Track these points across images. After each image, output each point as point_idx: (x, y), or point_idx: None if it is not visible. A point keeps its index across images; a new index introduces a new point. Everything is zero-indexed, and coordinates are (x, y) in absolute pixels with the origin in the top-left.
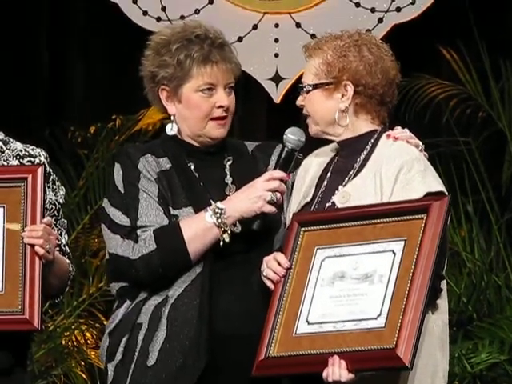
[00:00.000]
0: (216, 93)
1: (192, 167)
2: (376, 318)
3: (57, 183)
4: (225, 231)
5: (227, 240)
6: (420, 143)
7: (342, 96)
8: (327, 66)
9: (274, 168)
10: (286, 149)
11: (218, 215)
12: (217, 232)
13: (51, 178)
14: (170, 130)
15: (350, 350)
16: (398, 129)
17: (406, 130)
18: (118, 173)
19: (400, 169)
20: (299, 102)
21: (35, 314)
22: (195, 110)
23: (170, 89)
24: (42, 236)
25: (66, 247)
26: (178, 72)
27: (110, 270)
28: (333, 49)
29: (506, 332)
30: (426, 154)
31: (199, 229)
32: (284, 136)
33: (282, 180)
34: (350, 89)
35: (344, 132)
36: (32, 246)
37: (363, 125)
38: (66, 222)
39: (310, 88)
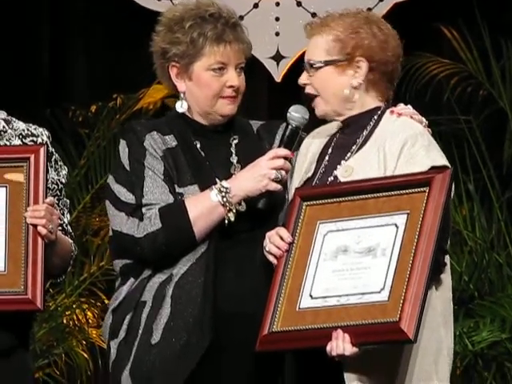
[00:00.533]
0: (227, 72)
1: (198, 145)
2: (379, 292)
3: (59, 163)
4: (230, 210)
5: (232, 219)
6: (424, 119)
7: (355, 73)
8: (340, 43)
9: (279, 146)
10: (289, 127)
11: (224, 194)
12: (222, 211)
13: (54, 157)
14: (180, 107)
15: (354, 323)
16: (401, 105)
17: (409, 106)
18: (123, 150)
19: (404, 143)
20: (303, 80)
21: (38, 293)
22: (205, 88)
23: (180, 66)
24: (44, 216)
25: (69, 227)
26: (190, 50)
27: (113, 247)
28: (343, 26)
29: (508, 310)
30: (429, 129)
31: (204, 207)
32: (288, 114)
33: (286, 158)
34: (364, 65)
35: (352, 109)
36: (35, 226)
37: (371, 101)
38: (68, 201)
39: (322, 65)
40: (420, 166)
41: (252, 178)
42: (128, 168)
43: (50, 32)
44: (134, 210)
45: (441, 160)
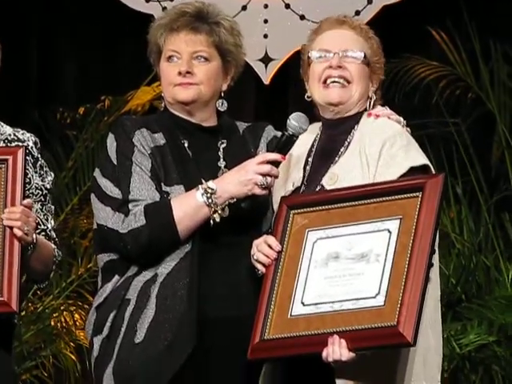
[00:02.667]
0: (181, 61)
1: (186, 145)
2: (374, 297)
3: (45, 169)
4: (215, 211)
5: (217, 220)
6: (401, 119)
7: (372, 85)
8: (376, 54)
9: (272, 150)
10: (286, 133)
11: (209, 195)
12: (207, 211)
13: (39, 163)
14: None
15: (350, 328)
16: (378, 107)
17: (386, 107)
18: (111, 144)
19: (383, 144)
20: (339, 62)
21: (13, 296)
22: (163, 78)
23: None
24: (19, 218)
25: (53, 232)
26: (160, 43)
27: (97, 241)
28: (376, 40)
29: (495, 313)
30: (408, 129)
31: (190, 207)
32: (287, 120)
33: (275, 162)
34: (378, 83)
35: (345, 113)
36: (10, 227)
37: (357, 109)
38: (53, 207)
39: (366, 61)
40: (399, 167)
41: (238, 182)
42: (115, 162)
43: (39, 34)
44: (121, 206)
45: (420, 159)
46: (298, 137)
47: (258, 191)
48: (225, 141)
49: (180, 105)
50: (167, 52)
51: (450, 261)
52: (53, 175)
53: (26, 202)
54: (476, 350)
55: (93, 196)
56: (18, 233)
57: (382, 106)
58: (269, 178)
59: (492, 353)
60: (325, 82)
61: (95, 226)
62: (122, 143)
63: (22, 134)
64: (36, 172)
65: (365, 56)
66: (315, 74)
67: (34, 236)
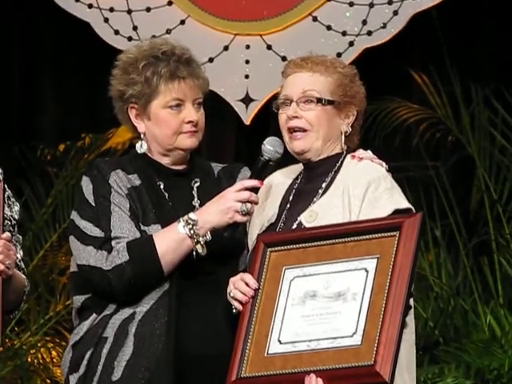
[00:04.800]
0: (184, 108)
1: (161, 186)
2: (351, 336)
3: (12, 199)
4: (198, 242)
5: (200, 251)
6: (384, 163)
7: (345, 119)
8: (343, 88)
9: (249, 177)
10: (261, 158)
11: (191, 226)
12: (189, 243)
13: (6, 193)
14: (140, 147)
15: (327, 367)
16: (361, 150)
17: (369, 151)
18: (87, 186)
19: (368, 186)
20: (294, 112)
21: None
22: (164, 126)
23: (138, 106)
24: (1, 252)
25: (22, 262)
26: (145, 89)
27: (77, 283)
28: (344, 73)
29: (472, 357)
30: (389, 172)
31: (172, 240)
32: (262, 146)
33: (253, 189)
34: (353, 115)
35: (324, 153)
36: None
37: (338, 148)
38: (20, 237)
39: (326, 102)
40: (384, 209)
41: (218, 211)
42: (93, 204)
43: (19, 69)
44: (103, 243)
45: (404, 203)
46: (273, 161)
47: (238, 218)
48: (198, 180)
49: (178, 152)
50: (170, 100)
51: (428, 304)
52: (19, 205)
53: (5, 235)
54: None
55: (72, 238)
56: (0, 267)
57: (363, 145)
58: (249, 205)
59: None
60: (290, 131)
61: (74, 269)
62: (98, 185)
63: None
64: (5, 202)
65: (320, 100)
66: (281, 123)
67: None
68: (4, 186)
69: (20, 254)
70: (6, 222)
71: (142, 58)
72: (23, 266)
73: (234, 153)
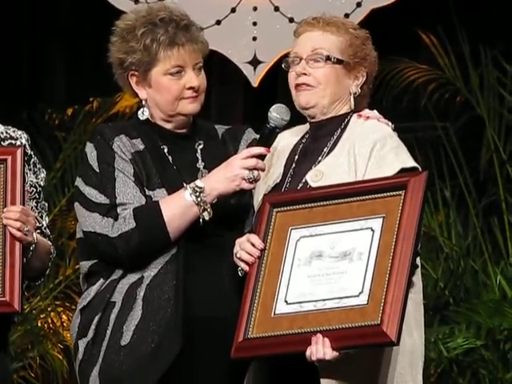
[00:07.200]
0: (185, 74)
1: (165, 150)
2: (358, 296)
3: (38, 166)
4: (204, 209)
5: (207, 218)
6: (390, 123)
7: (355, 80)
8: (352, 48)
9: (256, 144)
10: (268, 126)
11: (198, 194)
12: (196, 210)
13: (32, 160)
14: (142, 114)
15: (333, 327)
16: (367, 110)
17: (375, 110)
18: (91, 152)
19: (374, 145)
20: (303, 69)
21: (15, 296)
22: (165, 93)
23: (139, 74)
24: (19, 218)
25: (47, 230)
26: (145, 57)
27: (84, 248)
28: (355, 34)
29: (483, 317)
30: (395, 132)
31: (179, 207)
32: (268, 113)
33: (260, 156)
34: (363, 77)
35: (331, 112)
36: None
37: (346, 108)
38: (46, 204)
39: (335, 60)
40: (390, 168)
41: (225, 178)
42: (97, 170)
43: (29, 34)
44: (109, 210)
45: (410, 162)
46: (280, 128)
47: (245, 186)
48: (202, 142)
49: (180, 117)
50: (171, 67)
51: (438, 265)
52: (45, 172)
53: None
54: (464, 353)
55: (77, 205)
56: (17, 233)
57: (371, 106)
58: (255, 172)
59: (479, 357)
60: (297, 87)
61: (80, 235)
62: (101, 151)
63: (14, 131)
64: (30, 169)
65: (329, 57)
66: (290, 81)
67: (35, 235)
68: (30, 153)
69: (46, 221)
70: (32, 188)
71: (140, 25)
72: (49, 233)
73: (242, 115)
